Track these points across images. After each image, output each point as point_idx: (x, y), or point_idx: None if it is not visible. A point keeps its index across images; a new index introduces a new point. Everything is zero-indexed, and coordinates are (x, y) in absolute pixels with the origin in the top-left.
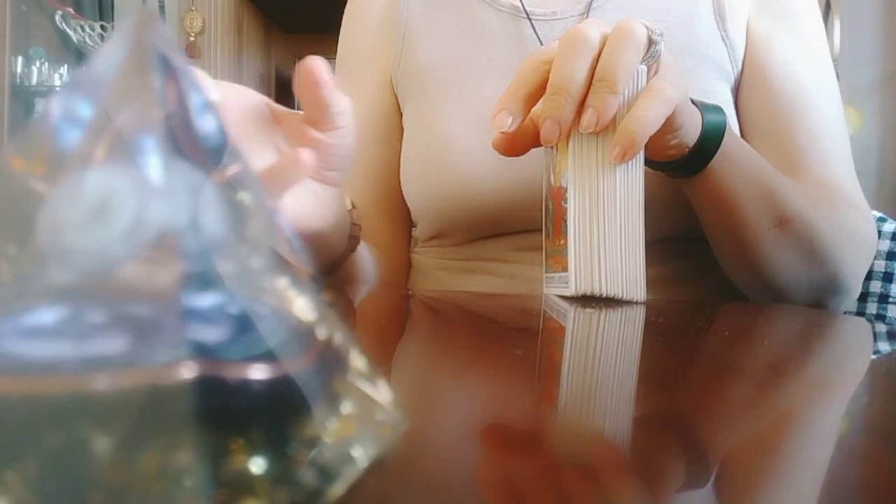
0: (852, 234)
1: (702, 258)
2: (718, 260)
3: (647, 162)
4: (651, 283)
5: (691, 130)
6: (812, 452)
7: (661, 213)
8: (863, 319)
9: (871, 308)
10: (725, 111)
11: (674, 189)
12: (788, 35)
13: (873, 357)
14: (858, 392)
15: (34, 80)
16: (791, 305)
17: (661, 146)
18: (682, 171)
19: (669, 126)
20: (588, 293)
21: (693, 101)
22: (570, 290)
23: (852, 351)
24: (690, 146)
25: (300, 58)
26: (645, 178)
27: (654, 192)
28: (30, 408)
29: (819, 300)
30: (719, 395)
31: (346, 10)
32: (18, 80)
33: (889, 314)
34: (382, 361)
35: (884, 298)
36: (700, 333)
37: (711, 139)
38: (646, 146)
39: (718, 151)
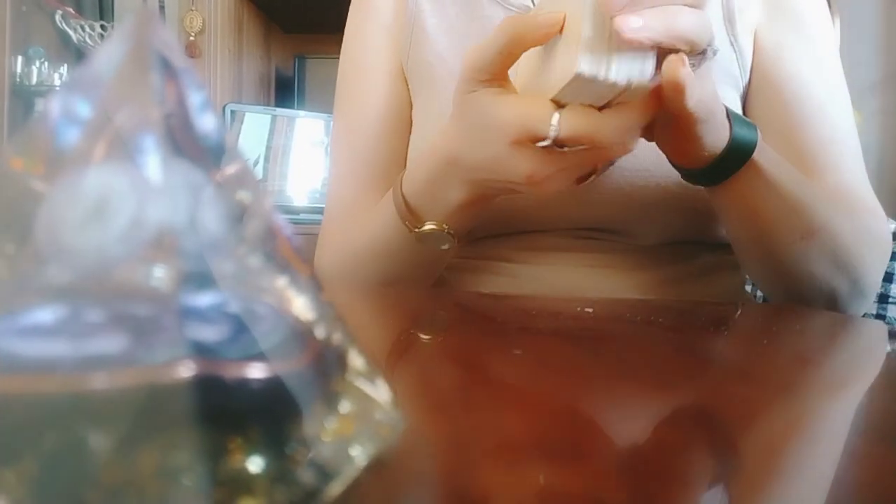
0: (871, 240)
1: (708, 260)
2: (740, 263)
3: (675, 168)
4: (659, 285)
5: (718, 134)
6: (821, 453)
7: (668, 218)
8: (878, 322)
9: (872, 308)
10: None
11: (680, 194)
12: (799, 43)
13: (878, 357)
14: (867, 392)
15: (34, 80)
16: (798, 307)
17: (687, 140)
18: (709, 178)
19: (694, 120)
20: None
21: (727, 113)
22: (577, 68)
23: (860, 352)
24: (716, 153)
25: (300, 58)
26: (653, 180)
27: (660, 197)
28: (29, 407)
29: (839, 305)
30: (732, 397)
31: (351, 7)
32: (18, 79)
33: (889, 314)
34: (381, 361)
35: (884, 298)
36: (712, 334)
37: (739, 151)
38: (670, 147)
39: (747, 163)
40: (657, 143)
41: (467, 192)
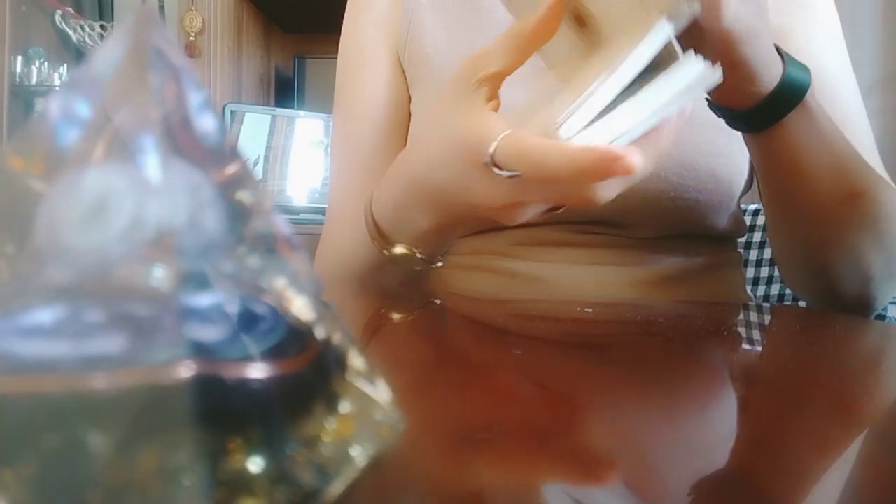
0: None
1: (709, 257)
2: (771, 235)
3: (717, 110)
4: (659, 283)
5: (768, 67)
6: (822, 453)
7: (669, 209)
8: (881, 322)
9: None
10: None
11: (681, 185)
12: (804, 26)
13: (876, 359)
14: (867, 392)
15: (34, 80)
16: (798, 307)
17: (732, 68)
18: (757, 121)
19: (734, 40)
20: None
21: (778, 51)
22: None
23: (864, 352)
24: (766, 90)
25: (300, 58)
26: (654, 170)
27: (660, 188)
28: (28, 407)
29: (870, 290)
30: (732, 398)
31: (348, 3)
32: (18, 79)
33: (889, 314)
34: (380, 361)
35: None
36: (712, 336)
37: (791, 91)
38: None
39: (796, 109)
40: None
41: (434, 217)
